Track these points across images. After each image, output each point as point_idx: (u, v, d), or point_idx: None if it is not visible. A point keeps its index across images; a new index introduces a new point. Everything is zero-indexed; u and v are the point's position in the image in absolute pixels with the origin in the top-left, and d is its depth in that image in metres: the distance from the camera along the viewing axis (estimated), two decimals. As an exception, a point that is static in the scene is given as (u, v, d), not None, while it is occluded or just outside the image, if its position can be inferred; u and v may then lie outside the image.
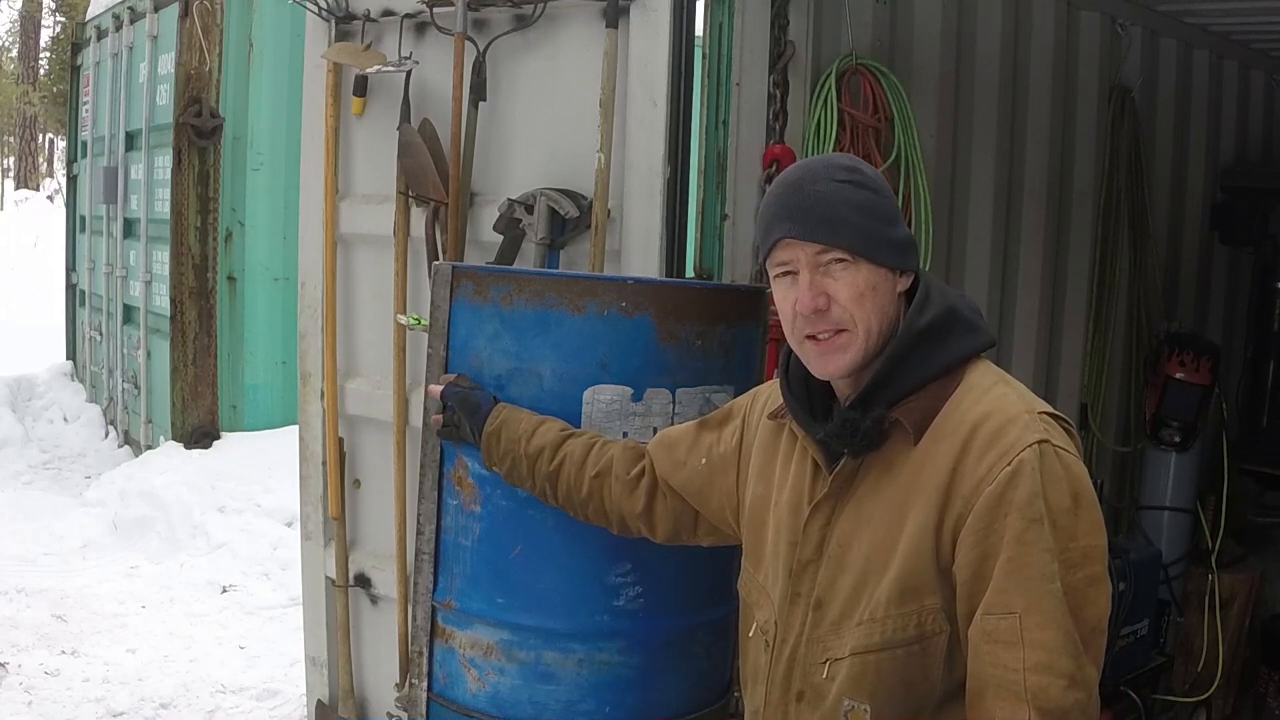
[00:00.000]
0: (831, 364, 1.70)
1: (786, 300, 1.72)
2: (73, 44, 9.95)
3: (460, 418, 2.29)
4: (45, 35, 29.36)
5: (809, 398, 1.79)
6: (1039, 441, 1.57)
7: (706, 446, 2.07)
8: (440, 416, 2.34)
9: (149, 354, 7.66)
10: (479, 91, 3.20)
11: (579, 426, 2.29)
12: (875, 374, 1.69)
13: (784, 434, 1.88)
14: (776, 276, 1.74)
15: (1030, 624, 1.52)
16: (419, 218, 3.33)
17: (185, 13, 6.96)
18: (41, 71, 28.85)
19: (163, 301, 7.31)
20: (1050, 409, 1.66)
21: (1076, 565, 1.54)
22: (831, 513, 1.75)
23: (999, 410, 1.62)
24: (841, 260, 1.67)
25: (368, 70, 3.37)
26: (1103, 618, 1.57)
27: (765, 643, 1.84)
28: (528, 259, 3.09)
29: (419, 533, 2.49)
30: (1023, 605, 1.53)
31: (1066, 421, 1.66)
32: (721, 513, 2.07)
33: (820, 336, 1.69)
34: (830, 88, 3.07)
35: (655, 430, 2.31)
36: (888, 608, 1.65)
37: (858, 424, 1.69)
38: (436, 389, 2.35)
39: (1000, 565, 1.55)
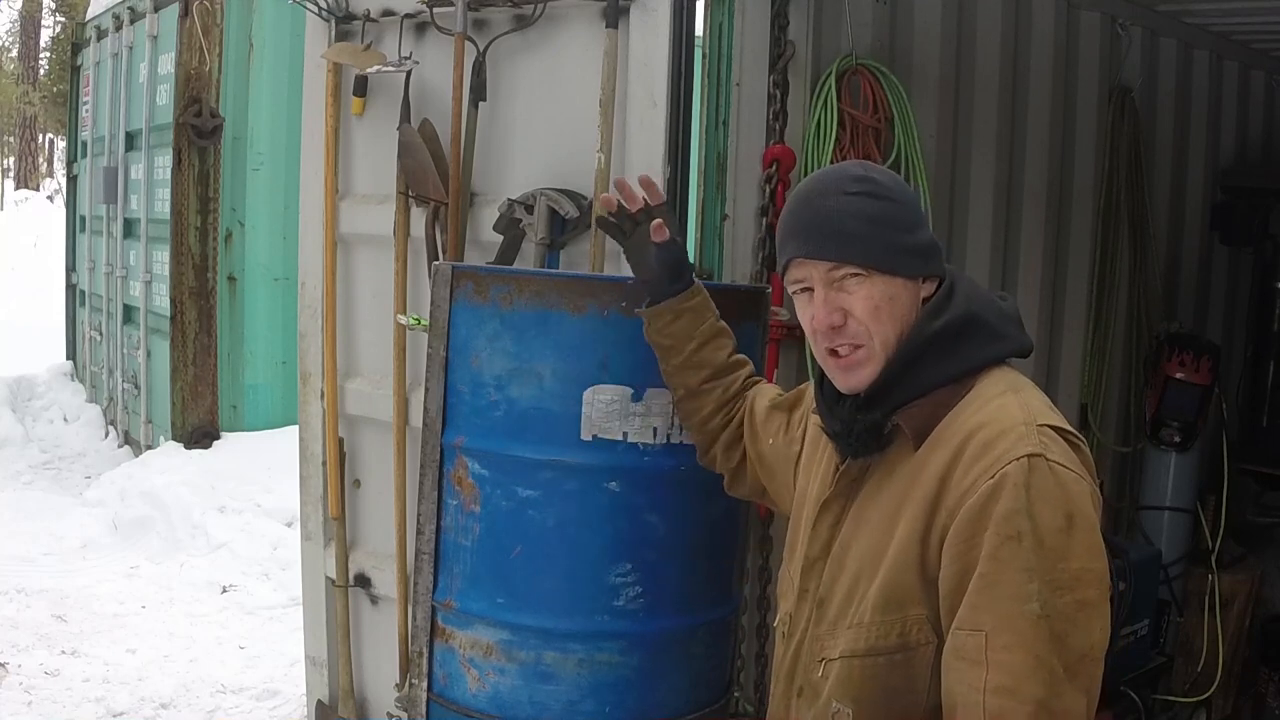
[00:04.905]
0: (852, 379, 1.69)
1: (804, 316, 1.72)
2: (73, 44, 9.95)
3: (650, 262, 2.13)
4: (45, 35, 29.35)
5: (839, 396, 1.77)
6: (1029, 455, 1.51)
7: (775, 428, 2.07)
8: (611, 213, 2.16)
9: (149, 354, 7.67)
10: (479, 91, 3.20)
11: (579, 427, 2.29)
12: (882, 377, 1.67)
13: None
14: (795, 294, 1.73)
15: (996, 644, 1.47)
16: (419, 218, 3.33)
17: (185, 13, 6.96)
18: (41, 71, 28.83)
19: (163, 301, 7.31)
20: (1058, 421, 1.60)
21: (1065, 588, 1.48)
22: (841, 512, 1.75)
23: (994, 421, 1.58)
24: (855, 274, 1.65)
25: (368, 70, 3.37)
26: (1095, 645, 1.50)
27: (782, 634, 1.85)
28: (528, 259, 3.09)
29: (419, 533, 2.49)
30: (991, 624, 1.48)
31: (1075, 436, 1.60)
32: (781, 497, 2.08)
33: (840, 352, 1.68)
34: (830, 88, 3.07)
35: (655, 430, 2.31)
36: (873, 614, 1.64)
37: (854, 425, 1.69)
38: (662, 197, 2.14)
39: (974, 581, 1.51)
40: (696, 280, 2.17)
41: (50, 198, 23.73)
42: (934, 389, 1.65)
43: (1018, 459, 1.52)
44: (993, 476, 1.52)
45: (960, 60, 3.55)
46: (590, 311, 2.29)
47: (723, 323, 2.19)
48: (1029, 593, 1.47)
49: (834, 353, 1.69)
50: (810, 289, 1.69)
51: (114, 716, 4.41)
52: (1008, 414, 1.59)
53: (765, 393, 2.17)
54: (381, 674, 3.60)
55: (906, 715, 1.63)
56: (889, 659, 1.63)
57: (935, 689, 1.59)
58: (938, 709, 1.58)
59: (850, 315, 1.66)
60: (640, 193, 2.15)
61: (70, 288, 9.56)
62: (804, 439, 1.99)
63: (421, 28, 3.35)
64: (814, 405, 1.92)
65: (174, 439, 7.19)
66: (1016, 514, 1.49)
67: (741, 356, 2.22)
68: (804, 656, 1.77)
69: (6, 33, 29.90)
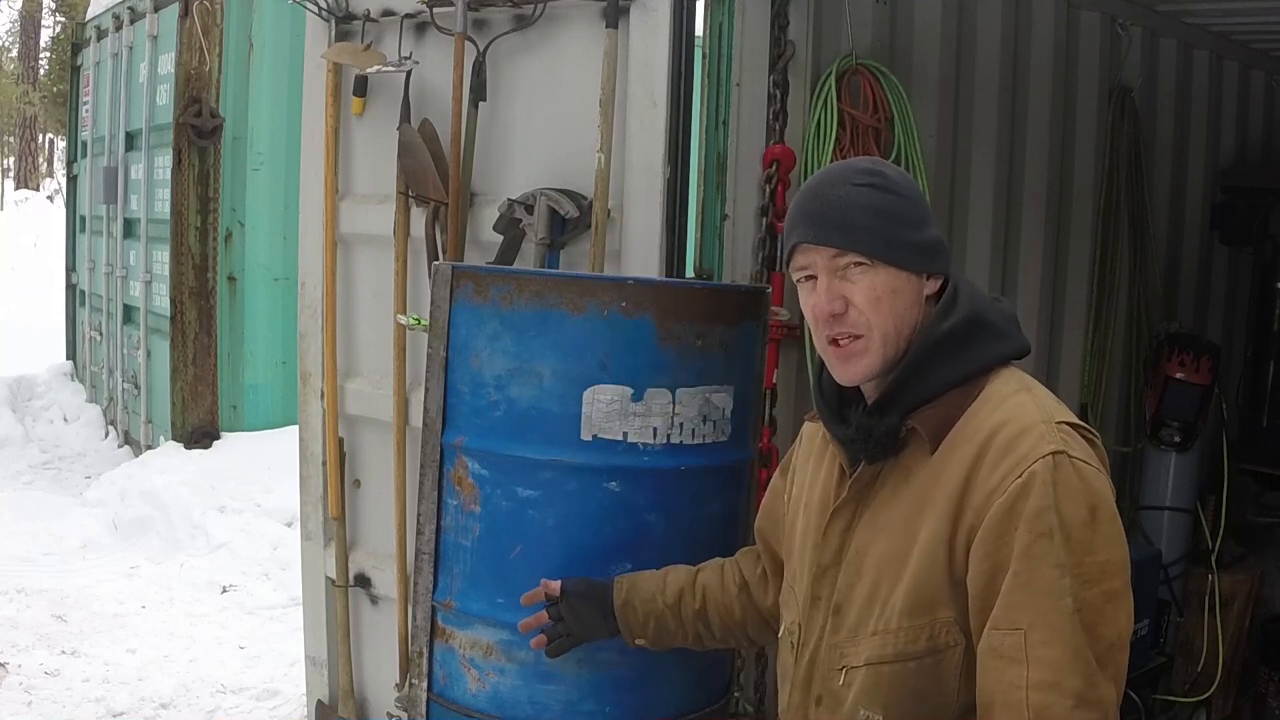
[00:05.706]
0: (850, 369, 1.70)
1: (807, 305, 1.72)
2: (73, 44, 9.96)
3: (580, 611, 2.16)
4: (45, 35, 29.36)
5: (840, 401, 1.78)
6: (1053, 453, 1.54)
7: (788, 482, 2.02)
8: (544, 637, 2.19)
9: (149, 354, 7.67)
10: (479, 91, 3.20)
11: (579, 426, 2.29)
12: (893, 380, 1.68)
13: (820, 435, 1.87)
14: (799, 281, 1.73)
15: (1035, 640, 1.49)
16: (419, 218, 3.33)
17: (185, 13, 6.96)
18: (41, 71, 28.84)
19: (163, 301, 7.31)
20: (1072, 418, 1.63)
21: (1093, 580, 1.51)
22: (852, 518, 1.74)
23: (1015, 420, 1.59)
24: (859, 264, 1.66)
25: (368, 70, 3.37)
26: (1122, 634, 1.53)
27: (791, 644, 1.84)
28: (528, 259, 3.09)
29: (419, 533, 2.49)
30: (1028, 621, 1.50)
31: (1090, 431, 1.63)
32: None
33: (840, 341, 1.68)
34: (830, 88, 3.07)
35: (655, 430, 2.31)
36: (900, 619, 1.64)
37: (872, 430, 1.68)
38: (548, 606, 2.17)
39: (1008, 579, 1.52)
40: (603, 581, 2.18)
41: (50, 198, 23.74)
42: (946, 390, 1.66)
43: (1043, 457, 1.54)
44: (1020, 475, 1.54)
45: (960, 60, 3.55)
46: (590, 311, 2.29)
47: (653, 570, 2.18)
48: (1062, 588, 1.50)
49: (834, 342, 1.69)
50: (814, 276, 1.70)
51: (114, 716, 4.42)
52: (1026, 412, 1.61)
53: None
54: (381, 674, 3.60)
55: (936, 718, 1.63)
56: (918, 663, 1.63)
57: (964, 689, 1.59)
58: (967, 709, 1.59)
59: (851, 304, 1.66)
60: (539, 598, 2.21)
61: (70, 288, 9.56)
62: (792, 465, 1.98)
63: (421, 28, 3.35)
64: (808, 415, 1.92)
65: (174, 439, 7.19)
66: (1046, 510, 1.51)
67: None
68: (821, 665, 1.76)
69: (6, 33, 29.94)
